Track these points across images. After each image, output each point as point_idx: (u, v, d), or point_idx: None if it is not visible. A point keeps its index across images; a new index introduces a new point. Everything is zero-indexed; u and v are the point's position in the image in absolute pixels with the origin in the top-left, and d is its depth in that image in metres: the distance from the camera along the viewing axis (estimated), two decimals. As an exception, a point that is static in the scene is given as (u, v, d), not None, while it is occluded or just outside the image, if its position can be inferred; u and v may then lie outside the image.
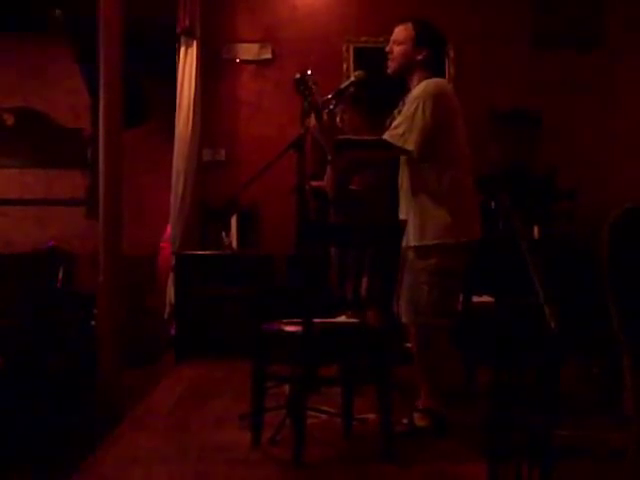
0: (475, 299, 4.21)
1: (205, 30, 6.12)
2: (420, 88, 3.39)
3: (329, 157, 3.82)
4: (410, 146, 3.32)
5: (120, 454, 3.22)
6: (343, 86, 3.60)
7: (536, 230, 5.38)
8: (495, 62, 6.34)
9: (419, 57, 3.45)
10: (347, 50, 6.38)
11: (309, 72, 3.38)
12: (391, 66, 3.52)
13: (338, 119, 4.42)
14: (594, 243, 1.90)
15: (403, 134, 3.33)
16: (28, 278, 5.02)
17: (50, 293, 5.00)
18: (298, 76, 3.37)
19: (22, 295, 4.76)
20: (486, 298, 4.25)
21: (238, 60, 6.44)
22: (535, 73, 6.31)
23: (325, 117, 3.45)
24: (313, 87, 3.37)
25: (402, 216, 3.52)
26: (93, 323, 4.44)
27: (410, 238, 3.39)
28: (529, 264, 2.67)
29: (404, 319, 3.44)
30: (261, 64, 6.44)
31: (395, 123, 3.39)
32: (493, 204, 4.65)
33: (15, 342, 4.31)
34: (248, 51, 6.44)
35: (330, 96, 3.45)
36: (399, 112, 3.50)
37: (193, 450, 3.26)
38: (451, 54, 6.25)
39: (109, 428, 3.57)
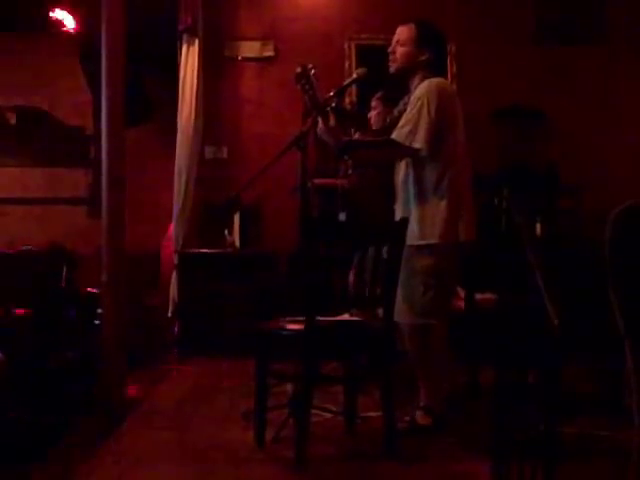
0: (478, 296, 4.21)
1: (207, 28, 6.11)
2: (423, 88, 3.39)
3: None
4: (418, 144, 3.32)
5: (123, 453, 3.22)
6: (345, 84, 3.60)
7: (538, 227, 5.37)
8: (496, 59, 6.32)
9: (422, 58, 3.46)
10: (349, 47, 6.37)
11: (310, 66, 3.34)
12: (393, 66, 3.52)
13: (372, 118, 4.42)
14: (597, 241, 1.89)
15: (410, 133, 3.33)
16: (30, 277, 5.02)
17: (53, 292, 5.00)
18: (299, 70, 3.34)
19: (25, 294, 4.76)
20: (488, 295, 4.24)
21: (240, 58, 6.44)
22: (536, 70, 6.30)
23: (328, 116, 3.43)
24: (314, 82, 3.33)
25: (399, 215, 3.51)
26: (97, 322, 4.44)
27: (409, 237, 3.34)
28: (531, 261, 2.66)
29: (398, 318, 3.38)
30: (263, 62, 6.44)
31: (401, 123, 3.38)
32: (495, 201, 4.65)
33: (17, 341, 4.31)
34: (250, 49, 6.44)
35: (332, 94, 3.44)
36: (399, 112, 3.51)
37: (196, 449, 3.27)
38: (453, 50, 6.25)
39: (112, 427, 3.57)
